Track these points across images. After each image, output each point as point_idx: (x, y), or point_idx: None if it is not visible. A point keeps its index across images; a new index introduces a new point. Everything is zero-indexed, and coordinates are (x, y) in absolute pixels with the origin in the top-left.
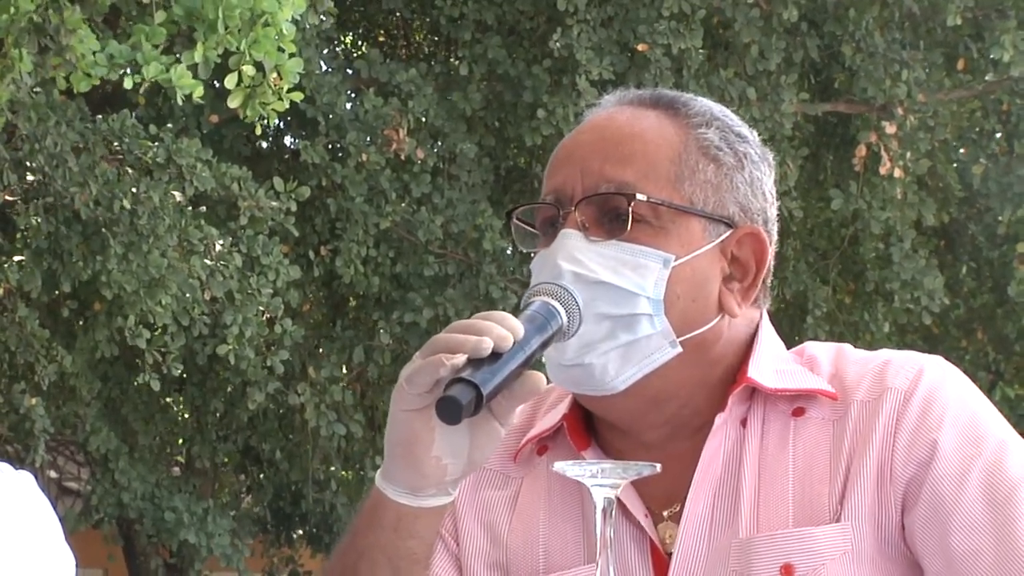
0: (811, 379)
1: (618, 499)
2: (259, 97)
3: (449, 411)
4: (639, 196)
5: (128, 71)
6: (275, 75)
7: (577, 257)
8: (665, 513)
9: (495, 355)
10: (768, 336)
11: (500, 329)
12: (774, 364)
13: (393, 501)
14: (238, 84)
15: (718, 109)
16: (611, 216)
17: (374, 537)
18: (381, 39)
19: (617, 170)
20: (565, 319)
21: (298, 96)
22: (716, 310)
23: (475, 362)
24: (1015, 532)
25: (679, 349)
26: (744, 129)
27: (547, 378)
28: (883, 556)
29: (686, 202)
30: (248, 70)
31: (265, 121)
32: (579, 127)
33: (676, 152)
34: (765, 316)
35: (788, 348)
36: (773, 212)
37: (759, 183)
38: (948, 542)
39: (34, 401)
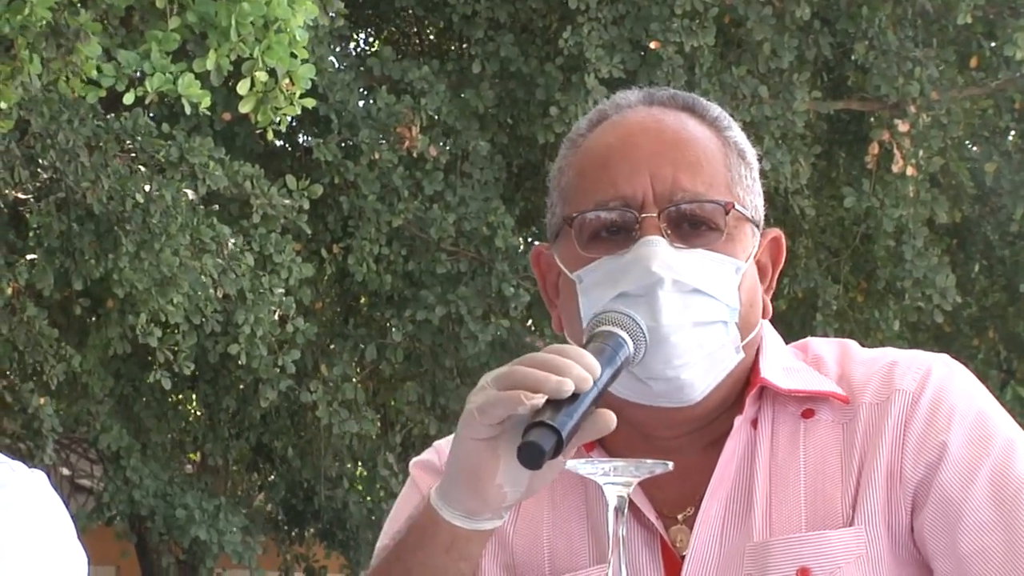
0: (821, 380)
1: (630, 501)
2: (271, 102)
3: (531, 457)
4: (738, 208)
5: (136, 80)
6: (287, 81)
7: (671, 264)
8: (679, 517)
9: (572, 395)
10: (771, 333)
11: (579, 369)
12: (780, 361)
13: (448, 523)
14: (250, 89)
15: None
16: (694, 224)
17: (424, 555)
18: (393, 37)
19: (689, 178)
20: (632, 349)
21: (310, 102)
22: (762, 313)
23: (553, 402)
24: None
25: (742, 355)
26: None
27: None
28: (896, 559)
29: (741, 206)
30: (260, 76)
31: (277, 125)
32: (624, 128)
33: (726, 157)
34: None
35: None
36: None
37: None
38: (957, 542)
39: (43, 401)
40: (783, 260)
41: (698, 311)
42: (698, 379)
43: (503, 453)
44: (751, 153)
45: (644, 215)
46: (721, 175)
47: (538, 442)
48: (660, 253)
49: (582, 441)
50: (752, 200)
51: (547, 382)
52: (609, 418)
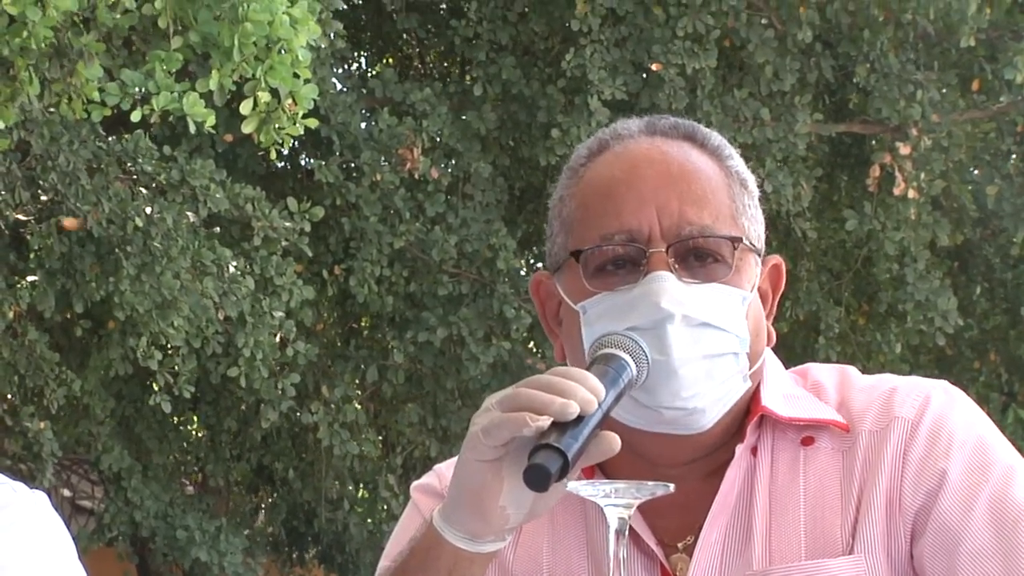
0: (822, 408)
1: (630, 528)
2: (274, 123)
3: (537, 479)
4: (745, 241)
5: (139, 100)
6: (290, 101)
7: (681, 300)
8: (679, 545)
9: (578, 417)
10: (772, 360)
11: (584, 392)
12: (781, 389)
13: (451, 544)
14: (253, 110)
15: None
16: (700, 257)
17: None
18: (395, 59)
19: (695, 211)
20: (635, 371)
21: (313, 122)
22: (766, 341)
23: (558, 425)
24: (1023, 557)
25: (749, 384)
26: None
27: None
28: None
29: (746, 237)
30: (263, 96)
31: (280, 146)
32: (628, 160)
33: (729, 188)
34: None
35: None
36: None
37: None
38: (956, 569)
39: (43, 425)
40: (783, 286)
41: (708, 344)
42: (709, 407)
43: (507, 475)
44: (751, 181)
45: (652, 250)
46: (726, 206)
47: (544, 464)
48: (669, 289)
49: (587, 463)
50: (755, 229)
51: (552, 404)
52: (613, 440)
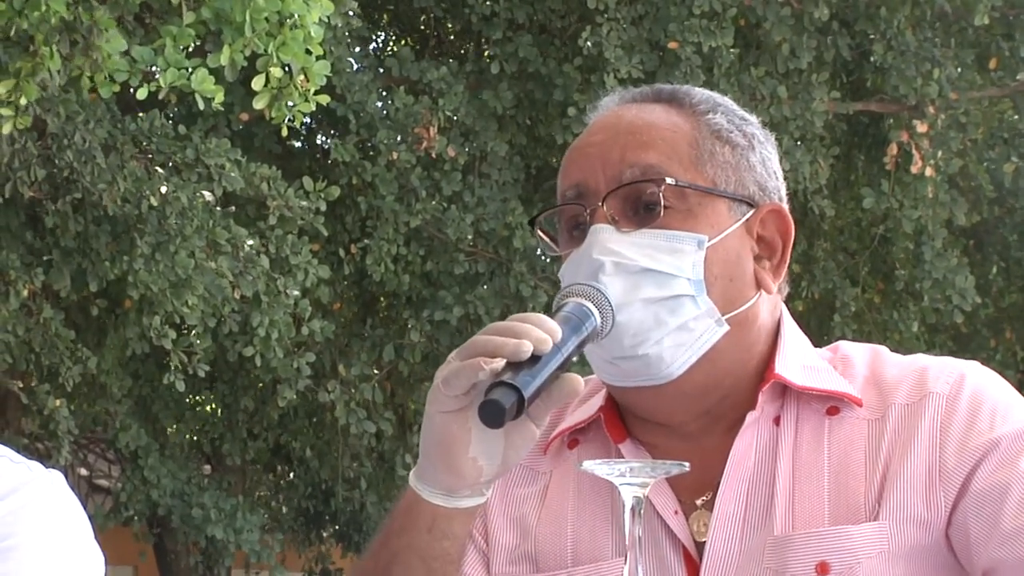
0: (838, 380)
1: (654, 490)
2: (285, 98)
3: (492, 415)
4: (668, 180)
5: (153, 74)
6: (302, 77)
7: (613, 248)
8: (698, 502)
9: (534, 358)
10: (791, 329)
11: (538, 332)
12: (800, 359)
13: (428, 502)
14: (265, 85)
15: (718, 96)
16: (640, 205)
17: (408, 538)
18: (412, 37)
19: (639, 154)
20: (599, 320)
21: (324, 98)
22: (754, 288)
23: (514, 365)
24: None
25: (726, 328)
26: (746, 113)
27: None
28: (920, 556)
29: (709, 184)
30: (275, 72)
31: (292, 122)
32: (588, 130)
33: (692, 137)
34: (785, 308)
35: (816, 348)
36: (784, 191)
37: (770, 162)
38: (1002, 521)
39: (58, 403)
40: (792, 232)
41: (649, 289)
42: (667, 353)
43: (473, 424)
44: (740, 135)
45: (591, 207)
46: (683, 152)
47: (499, 400)
48: (602, 239)
49: (551, 406)
50: (730, 177)
51: (505, 346)
52: (575, 382)
